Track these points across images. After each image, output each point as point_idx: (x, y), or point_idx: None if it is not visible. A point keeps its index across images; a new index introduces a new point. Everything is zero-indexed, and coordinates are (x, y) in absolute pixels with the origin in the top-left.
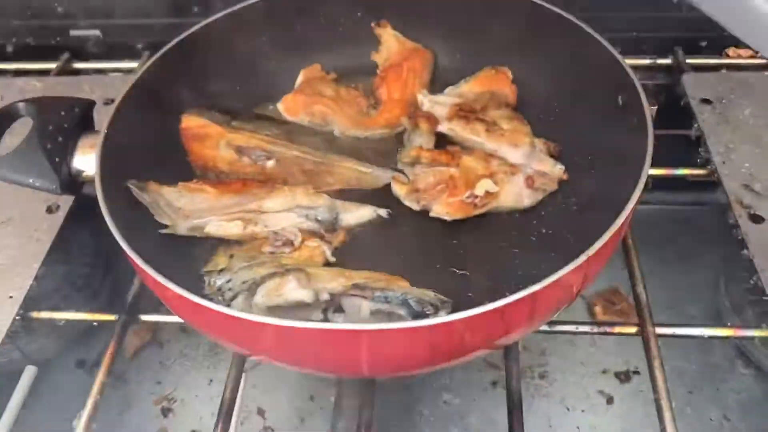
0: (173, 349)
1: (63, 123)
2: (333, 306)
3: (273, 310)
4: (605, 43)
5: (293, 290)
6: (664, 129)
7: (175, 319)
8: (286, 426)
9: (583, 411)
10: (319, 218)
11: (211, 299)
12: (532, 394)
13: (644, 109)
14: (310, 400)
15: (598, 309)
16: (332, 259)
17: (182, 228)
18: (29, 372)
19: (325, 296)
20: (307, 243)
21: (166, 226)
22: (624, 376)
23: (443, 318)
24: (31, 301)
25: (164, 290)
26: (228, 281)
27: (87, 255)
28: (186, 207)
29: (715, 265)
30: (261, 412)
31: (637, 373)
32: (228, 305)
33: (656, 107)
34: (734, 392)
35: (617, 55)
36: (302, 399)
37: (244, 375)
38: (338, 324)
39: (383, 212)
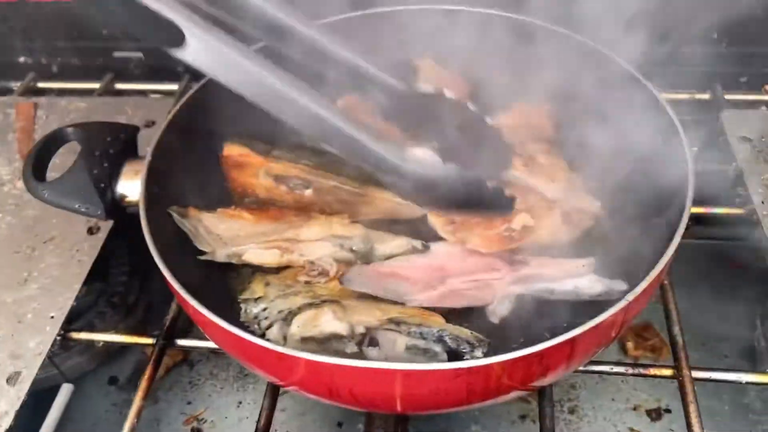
0: (203, 370)
1: (109, 149)
2: (368, 339)
3: (307, 340)
4: (647, 83)
5: (329, 322)
6: (700, 164)
7: (210, 344)
8: None
9: None
10: (354, 248)
11: (246, 327)
12: (561, 429)
13: (685, 152)
14: (338, 426)
15: (629, 344)
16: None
17: (221, 255)
18: (66, 390)
19: (360, 329)
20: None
21: (203, 252)
22: (655, 414)
23: (481, 361)
24: (67, 323)
25: (205, 321)
26: (264, 309)
27: (123, 273)
28: (224, 234)
29: (751, 303)
30: None
31: (668, 411)
32: (263, 334)
33: (696, 149)
34: None
35: (659, 96)
36: (330, 425)
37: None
38: (375, 363)
39: (418, 244)
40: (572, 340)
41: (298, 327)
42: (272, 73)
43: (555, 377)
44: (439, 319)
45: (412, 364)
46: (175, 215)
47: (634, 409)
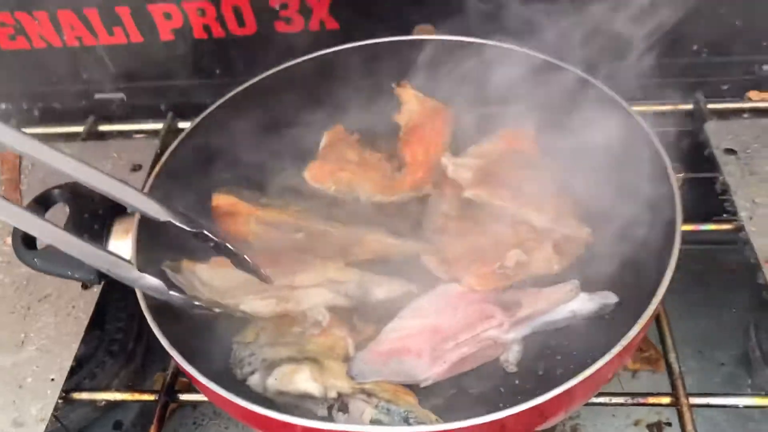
0: (207, 410)
1: (97, 209)
2: (338, 404)
3: (283, 394)
4: (624, 103)
5: (305, 381)
6: (688, 173)
7: None
8: None
9: None
10: (349, 293)
11: (230, 369)
12: None
13: (672, 184)
14: None
15: None
16: (352, 354)
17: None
18: None
19: (333, 394)
20: (333, 330)
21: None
22: (656, 429)
23: (484, 418)
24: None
25: (204, 387)
26: (251, 355)
27: (120, 319)
28: (220, 285)
29: (745, 308)
30: None
31: (668, 424)
32: (245, 380)
33: (683, 175)
34: None
35: (642, 121)
36: None
37: None
38: (376, 428)
39: (413, 288)
40: (569, 391)
41: (275, 380)
42: None
43: (556, 421)
44: (411, 399)
45: (403, 428)
46: (168, 272)
47: (635, 424)
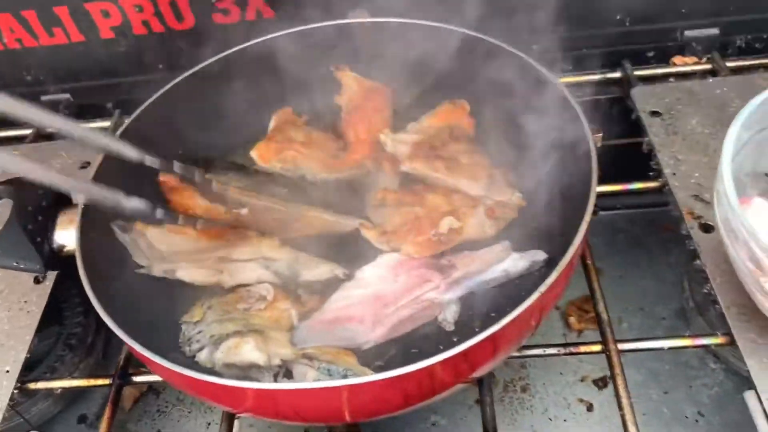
0: (170, 397)
1: (41, 201)
2: (283, 371)
3: (230, 366)
4: (545, 71)
5: (249, 351)
6: (619, 139)
7: None
8: None
9: (565, 420)
10: (278, 272)
11: (179, 348)
12: (515, 408)
13: (588, 138)
14: None
15: (572, 319)
16: (296, 325)
17: (158, 270)
18: None
19: (276, 361)
20: (278, 304)
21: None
22: (601, 383)
23: (412, 367)
24: (27, 370)
25: (150, 362)
26: (199, 332)
27: (77, 314)
28: (165, 249)
29: (680, 265)
30: None
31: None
32: (194, 356)
33: (601, 134)
34: (707, 388)
35: (564, 90)
36: None
37: (237, 421)
38: (313, 383)
39: (340, 272)
40: (492, 337)
41: (221, 353)
42: None
43: (487, 369)
44: (350, 359)
45: (340, 381)
46: (116, 229)
47: (582, 380)
